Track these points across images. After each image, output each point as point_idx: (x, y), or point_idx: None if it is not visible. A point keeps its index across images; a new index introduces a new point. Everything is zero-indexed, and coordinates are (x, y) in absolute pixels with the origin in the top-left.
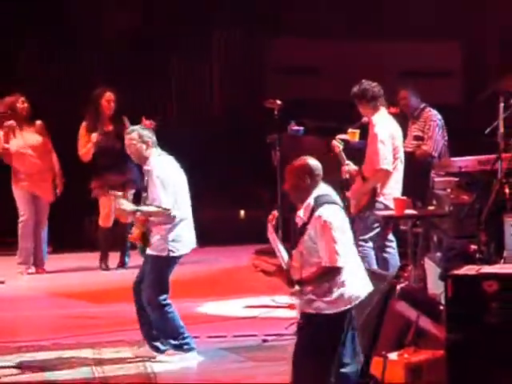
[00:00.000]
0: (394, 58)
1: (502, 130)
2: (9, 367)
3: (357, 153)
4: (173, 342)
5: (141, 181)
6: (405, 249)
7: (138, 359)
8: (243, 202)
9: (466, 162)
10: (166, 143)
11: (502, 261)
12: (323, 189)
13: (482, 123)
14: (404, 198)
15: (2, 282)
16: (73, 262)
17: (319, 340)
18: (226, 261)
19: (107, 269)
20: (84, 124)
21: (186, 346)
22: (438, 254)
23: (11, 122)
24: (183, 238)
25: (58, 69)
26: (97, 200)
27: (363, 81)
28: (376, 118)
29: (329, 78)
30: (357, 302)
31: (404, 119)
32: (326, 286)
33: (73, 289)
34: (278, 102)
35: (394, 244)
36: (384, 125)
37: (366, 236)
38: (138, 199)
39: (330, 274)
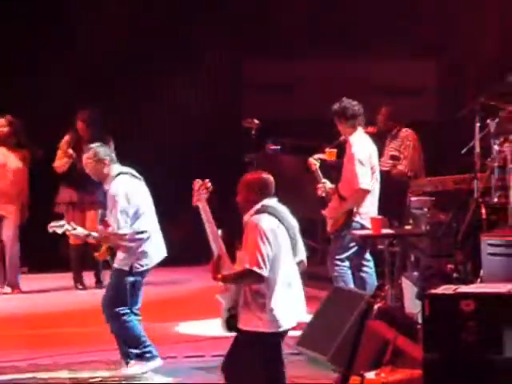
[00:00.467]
0: (368, 76)
1: (478, 149)
2: None
3: (333, 171)
4: (134, 351)
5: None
6: (382, 268)
7: (114, 379)
8: (219, 221)
9: (442, 181)
10: (143, 162)
11: (479, 280)
12: (272, 202)
13: (457, 142)
14: (381, 217)
15: None
16: (49, 281)
17: (248, 356)
18: (201, 280)
19: (84, 288)
20: (66, 137)
21: (147, 355)
22: (415, 274)
23: None
24: (148, 254)
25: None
26: (62, 215)
27: (344, 98)
28: (354, 137)
29: (304, 97)
30: (286, 328)
31: (380, 138)
32: (260, 303)
33: (49, 309)
34: (256, 121)
35: (371, 263)
36: (362, 144)
37: (343, 255)
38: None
39: (249, 278)
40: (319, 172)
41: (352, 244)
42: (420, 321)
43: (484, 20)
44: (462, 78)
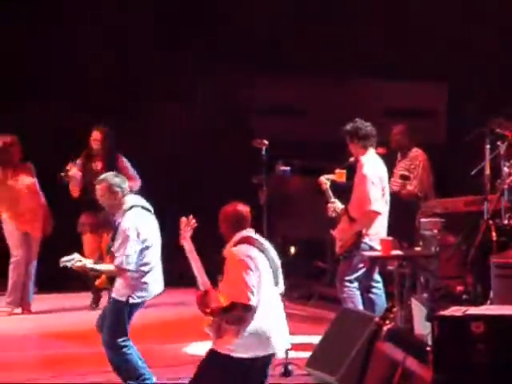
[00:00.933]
0: (380, 97)
1: (488, 171)
2: None
3: (343, 192)
4: (132, 382)
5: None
6: (391, 289)
7: None
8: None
9: (452, 202)
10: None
11: (489, 302)
12: (251, 233)
13: (467, 163)
14: (390, 238)
15: None
16: (61, 301)
17: (212, 379)
18: None
19: (96, 308)
20: (79, 159)
21: (146, 382)
22: (425, 295)
23: None
24: (148, 286)
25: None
26: (81, 236)
27: (357, 119)
28: (365, 158)
29: (315, 119)
30: (261, 355)
31: (391, 159)
32: (237, 329)
33: (60, 329)
34: (265, 142)
35: (380, 285)
36: (373, 166)
37: (352, 276)
38: None
39: (237, 310)
40: (329, 191)
41: (361, 265)
42: (429, 342)
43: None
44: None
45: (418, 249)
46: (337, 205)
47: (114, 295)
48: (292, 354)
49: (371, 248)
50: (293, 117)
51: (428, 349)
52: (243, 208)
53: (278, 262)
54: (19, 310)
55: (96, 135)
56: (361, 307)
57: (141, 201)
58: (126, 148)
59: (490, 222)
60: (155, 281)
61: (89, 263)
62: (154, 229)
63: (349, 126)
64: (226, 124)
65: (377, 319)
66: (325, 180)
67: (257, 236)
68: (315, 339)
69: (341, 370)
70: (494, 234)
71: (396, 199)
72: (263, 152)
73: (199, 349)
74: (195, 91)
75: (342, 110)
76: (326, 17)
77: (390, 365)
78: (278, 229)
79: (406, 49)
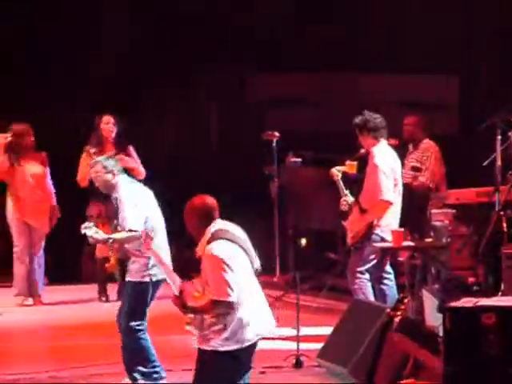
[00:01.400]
0: (393, 90)
1: (499, 162)
2: None
3: (354, 184)
4: (142, 369)
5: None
6: (403, 280)
7: None
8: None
9: (463, 193)
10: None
11: (500, 293)
12: (222, 225)
13: (479, 154)
14: (402, 229)
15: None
16: (71, 293)
17: (210, 377)
18: None
19: (107, 300)
20: (86, 148)
21: (155, 375)
22: (436, 286)
23: (6, 136)
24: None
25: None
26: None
27: (365, 111)
28: (376, 149)
29: (326, 110)
30: (249, 343)
31: (402, 150)
32: (221, 324)
33: (70, 321)
34: (276, 133)
35: (391, 276)
36: (385, 157)
37: (363, 268)
38: None
39: (218, 308)
40: (341, 183)
41: (372, 256)
42: (441, 334)
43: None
44: (484, 91)
45: (429, 240)
46: (349, 198)
47: (132, 279)
48: (303, 346)
49: (382, 239)
50: (305, 108)
51: (439, 340)
52: (210, 199)
53: (249, 244)
54: (30, 301)
55: (108, 119)
56: (372, 298)
57: (132, 178)
58: (135, 142)
59: (501, 213)
60: (167, 256)
61: (104, 234)
62: (153, 206)
63: (357, 119)
64: (238, 117)
65: (388, 310)
66: (336, 172)
67: (226, 225)
68: (326, 330)
69: (352, 360)
70: (504, 224)
71: (407, 190)
72: (274, 144)
73: None
74: (204, 84)
75: (354, 102)
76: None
77: (401, 356)
78: (289, 220)
79: (419, 41)
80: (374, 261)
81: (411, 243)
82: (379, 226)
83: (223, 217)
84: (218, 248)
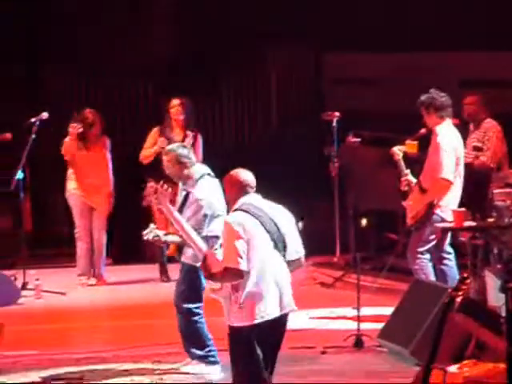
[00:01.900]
0: (455, 68)
1: None
2: (69, 378)
3: (415, 165)
4: (198, 352)
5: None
6: (464, 261)
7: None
8: (301, 214)
9: None
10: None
11: None
12: (252, 199)
13: None
14: (463, 209)
15: (63, 294)
16: (134, 273)
17: (232, 351)
18: None
19: (168, 280)
20: (157, 128)
21: (211, 358)
22: (499, 266)
23: (76, 126)
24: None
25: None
26: (150, 209)
27: (431, 90)
28: (439, 127)
29: (388, 90)
30: (269, 318)
31: (463, 130)
32: (237, 296)
33: (133, 301)
34: (337, 113)
35: (452, 256)
36: (448, 135)
37: (423, 248)
38: None
39: (229, 275)
40: (402, 162)
41: (432, 236)
42: (503, 314)
43: None
44: None
45: (491, 220)
46: (410, 178)
47: (187, 261)
48: (364, 326)
49: (442, 219)
50: (366, 88)
51: (502, 320)
52: (245, 174)
53: (285, 227)
54: (93, 281)
55: (175, 101)
56: (433, 279)
57: (207, 169)
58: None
59: None
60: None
61: (162, 235)
62: (220, 200)
63: (423, 97)
64: (298, 96)
65: (450, 290)
66: (397, 151)
67: (256, 201)
68: (387, 311)
69: (414, 341)
70: None
71: (468, 170)
72: (334, 124)
73: None
74: (266, 64)
75: (416, 82)
76: None
77: (463, 336)
78: (349, 200)
79: (482, 19)
80: (435, 241)
81: (473, 223)
82: (439, 207)
83: (286, 197)
84: (234, 217)
